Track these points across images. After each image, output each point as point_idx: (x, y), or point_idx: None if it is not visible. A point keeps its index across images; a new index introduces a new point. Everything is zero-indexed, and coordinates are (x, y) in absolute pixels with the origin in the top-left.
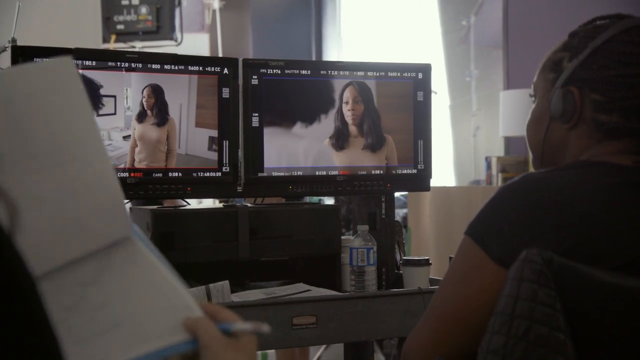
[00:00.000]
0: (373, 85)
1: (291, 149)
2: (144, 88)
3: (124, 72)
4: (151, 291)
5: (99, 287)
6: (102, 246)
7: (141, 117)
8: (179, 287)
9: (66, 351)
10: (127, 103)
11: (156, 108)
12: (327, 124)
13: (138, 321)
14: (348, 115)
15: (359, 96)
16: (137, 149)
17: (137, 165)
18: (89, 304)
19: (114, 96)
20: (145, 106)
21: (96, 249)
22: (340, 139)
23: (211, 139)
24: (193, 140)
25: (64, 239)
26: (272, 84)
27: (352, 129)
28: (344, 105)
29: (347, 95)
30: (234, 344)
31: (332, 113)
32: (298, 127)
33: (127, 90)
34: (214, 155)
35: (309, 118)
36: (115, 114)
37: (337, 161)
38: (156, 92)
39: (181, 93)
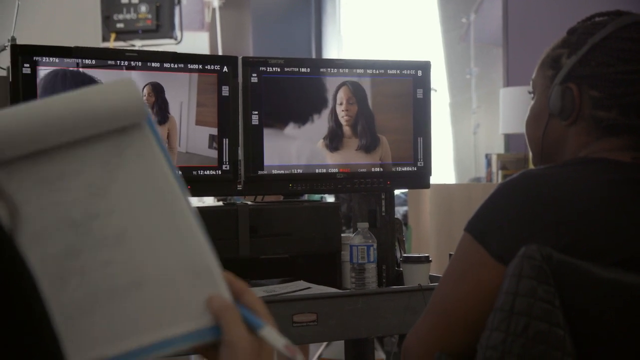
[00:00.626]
0: (371, 83)
1: (288, 148)
2: (144, 86)
3: (124, 71)
4: (171, 232)
5: (110, 205)
6: (111, 127)
7: None
8: (197, 228)
9: (83, 306)
10: None
11: (157, 106)
12: (320, 124)
13: (161, 285)
14: (342, 116)
15: (352, 97)
16: None
17: None
18: (102, 232)
19: None
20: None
21: (102, 129)
22: (334, 140)
23: (211, 137)
24: (193, 138)
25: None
26: (272, 82)
27: (346, 129)
28: (337, 107)
29: (341, 96)
30: (258, 349)
31: (326, 113)
32: (292, 127)
33: None
34: (214, 154)
35: (305, 117)
36: None
37: (330, 162)
38: (156, 91)
39: (181, 91)
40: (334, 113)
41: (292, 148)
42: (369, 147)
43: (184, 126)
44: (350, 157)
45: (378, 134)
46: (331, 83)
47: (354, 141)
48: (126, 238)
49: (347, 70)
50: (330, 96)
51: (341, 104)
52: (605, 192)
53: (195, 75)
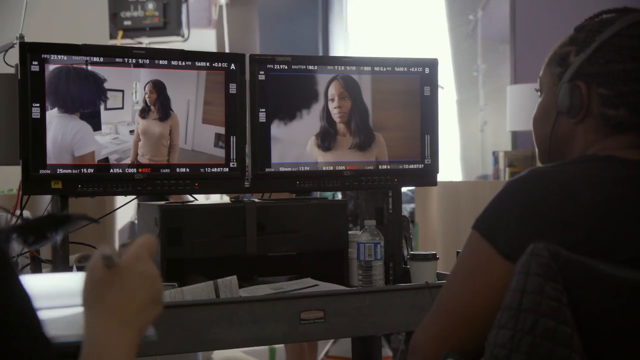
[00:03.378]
0: (378, 80)
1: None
2: (146, 84)
3: (132, 68)
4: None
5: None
6: None
7: (144, 112)
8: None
9: None
10: (135, 97)
11: (158, 103)
12: (311, 122)
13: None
14: (335, 113)
15: (345, 91)
16: (140, 144)
17: (140, 159)
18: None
19: (122, 90)
20: (147, 102)
21: None
22: (326, 140)
23: (217, 135)
24: (200, 136)
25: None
26: (279, 79)
27: (340, 127)
28: (329, 103)
29: (332, 92)
30: (110, 267)
31: (317, 110)
32: (294, 124)
33: (136, 85)
34: (220, 152)
35: (317, 115)
36: (122, 108)
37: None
38: (158, 88)
39: (189, 89)
40: (325, 110)
41: (279, 147)
42: (363, 145)
43: (191, 124)
44: (343, 156)
45: (374, 132)
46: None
47: (347, 139)
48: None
49: (353, 68)
50: (321, 92)
51: (333, 100)
52: (613, 190)
53: (203, 74)
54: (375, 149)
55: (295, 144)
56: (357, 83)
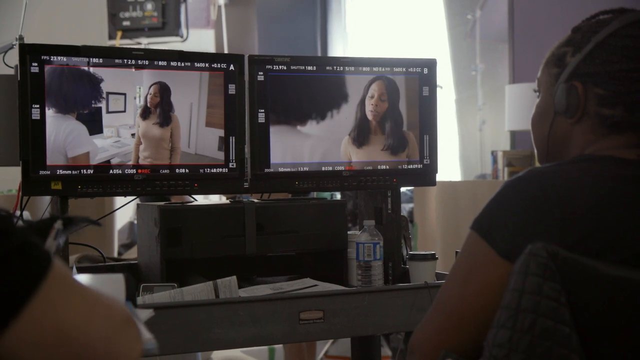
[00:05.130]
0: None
1: (299, 147)
2: (152, 85)
3: (133, 70)
4: None
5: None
6: None
7: (145, 114)
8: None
9: None
10: (139, 102)
11: (160, 108)
12: (340, 121)
13: None
14: (369, 110)
15: (385, 93)
16: (141, 147)
17: (141, 162)
18: None
19: (124, 94)
20: (149, 103)
21: None
22: (361, 135)
23: (221, 139)
24: (203, 139)
25: None
26: (278, 80)
27: (372, 124)
28: (367, 99)
29: (374, 89)
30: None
31: (345, 109)
32: (308, 124)
33: (140, 89)
34: (223, 156)
35: (310, 114)
36: (124, 111)
37: (355, 159)
38: (162, 91)
39: (191, 91)
40: (362, 105)
41: (304, 147)
42: (395, 147)
43: (194, 127)
44: (375, 156)
45: (407, 130)
46: (336, 81)
47: (379, 139)
48: None
49: (352, 68)
50: (349, 91)
51: (372, 97)
52: (611, 190)
53: (205, 76)
54: (407, 152)
55: (327, 141)
56: (397, 87)
